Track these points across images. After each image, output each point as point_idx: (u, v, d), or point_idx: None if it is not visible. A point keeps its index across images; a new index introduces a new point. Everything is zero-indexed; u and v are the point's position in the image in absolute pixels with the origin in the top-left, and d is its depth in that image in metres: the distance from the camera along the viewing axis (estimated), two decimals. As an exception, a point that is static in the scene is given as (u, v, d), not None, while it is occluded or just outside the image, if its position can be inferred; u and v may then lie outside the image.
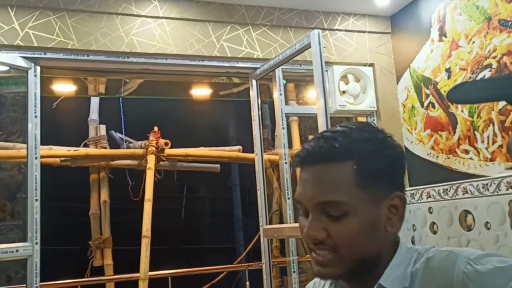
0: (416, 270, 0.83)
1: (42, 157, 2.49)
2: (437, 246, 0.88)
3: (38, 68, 2.43)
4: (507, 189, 2.25)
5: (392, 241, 0.87)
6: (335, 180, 0.81)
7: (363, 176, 0.81)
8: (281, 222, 4.35)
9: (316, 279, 1.03)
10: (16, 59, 2.37)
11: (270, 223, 3.59)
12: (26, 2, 2.40)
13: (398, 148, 0.87)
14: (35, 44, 2.39)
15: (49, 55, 2.44)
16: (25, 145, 2.40)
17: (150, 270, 3.75)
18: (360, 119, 3.07)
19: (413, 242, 2.83)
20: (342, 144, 0.82)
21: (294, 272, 2.60)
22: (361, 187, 0.81)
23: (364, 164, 0.82)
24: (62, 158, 4.32)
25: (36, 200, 2.31)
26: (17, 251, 2.23)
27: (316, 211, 0.83)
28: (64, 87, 3.81)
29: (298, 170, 0.90)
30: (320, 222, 0.82)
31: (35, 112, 2.38)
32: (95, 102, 4.73)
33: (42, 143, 2.43)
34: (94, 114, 4.73)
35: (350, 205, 0.80)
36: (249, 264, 4.24)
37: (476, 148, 2.45)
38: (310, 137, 0.97)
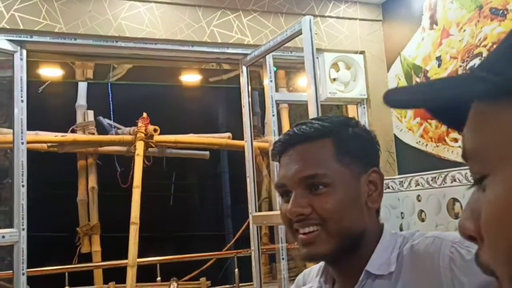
0: (402, 256, 0.84)
1: (28, 142, 2.46)
2: (421, 231, 0.89)
3: (24, 52, 2.38)
4: (495, 178, 2.27)
5: (376, 225, 0.90)
6: (316, 155, 0.87)
7: (341, 152, 0.87)
8: (270, 209, 4.35)
9: (306, 271, 1.03)
10: (1, 42, 2.31)
11: (259, 210, 3.60)
12: (12, -16, 2.34)
13: (371, 133, 0.95)
14: (21, 27, 2.34)
15: (35, 38, 2.38)
16: (11, 130, 2.36)
17: (139, 256, 3.75)
18: (350, 107, 3.06)
19: (401, 229, 2.85)
20: (320, 125, 0.90)
21: (283, 259, 2.61)
22: (341, 161, 0.87)
23: (342, 141, 0.88)
24: (49, 144, 4.27)
25: (23, 186, 2.28)
26: (3, 237, 2.20)
27: (299, 187, 0.86)
28: (51, 72, 3.75)
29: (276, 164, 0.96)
30: (304, 197, 0.85)
31: (21, 97, 2.34)
32: (82, 87, 4.67)
33: (28, 129, 2.39)
34: (81, 100, 4.67)
35: (332, 177, 0.85)
36: (238, 251, 4.25)
37: (465, 137, 2.46)
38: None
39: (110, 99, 4.81)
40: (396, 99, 0.39)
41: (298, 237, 0.86)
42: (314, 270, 1.00)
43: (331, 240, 0.84)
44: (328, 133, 0.89)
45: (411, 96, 0.38)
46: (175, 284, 2.93)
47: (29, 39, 2.37)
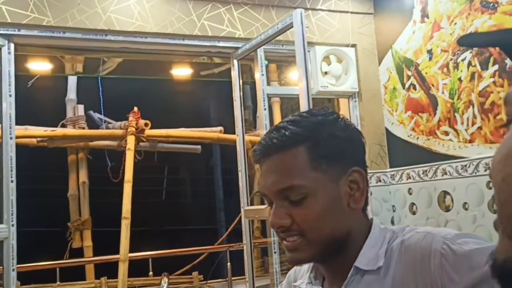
0: (392, 250, 0.84)
1: (17, 137, 2.43)
2: (412, 225, 0.88)
3: (12, 45, 2.35)
4: (485, 170, 2.28)
5: (363, 221, 0.89)
6: (290, 166, 0.85)
7: (316, 158, 0.85)
8: (262, 203, 4.35)
9: (296, 267, 1.03)
10: (-12, 35, 2.28)
11: (251, 204, 3.59)
12: (-2, -24, 2.30)
13: (351, 128, 0.91)
14: (9, 20, 2.31)
15: (23, 31, 2.35)
16: (-1, 125, 2.33)
17: (131, 251, 3.74)
18: (342, 100, 3.06)
19: (392, 222, 2.86)
20: (292, 131, 0.86)
21: (275, 252, 2.61)
22: (316, 168, 0.84)
23: (316, 146, 0.85)
24: (38, 139, 4.24)
25: (12, 181, 2.26)
26: (-8, 233, 2.18)
27: (278, 199, 0.86)
28: (39, 65, 3.71)
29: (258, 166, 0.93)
30: (283, 208, 0.85)
31: (10, 91, 2.31)
32: (72, 81, 4.63)
33: (17, 123, 2.36)
34: (71, 94, 4.63)
35: (308, 187, 0.83)
36: (230, 245, 4.25)
37: (455, 130, 2.47)
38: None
39: (101, 93, 4.78)
40: (471, 39, 0.44)
41: (283, 243, 0.88)
42: (305, 265, 1.00)
43: (313, 247, 0.85)
44: (300, 140, 0.85)
45: (486, 37, 0.42)
46: (166, 279, 2.93)
47: (17, 32, 2.34)
